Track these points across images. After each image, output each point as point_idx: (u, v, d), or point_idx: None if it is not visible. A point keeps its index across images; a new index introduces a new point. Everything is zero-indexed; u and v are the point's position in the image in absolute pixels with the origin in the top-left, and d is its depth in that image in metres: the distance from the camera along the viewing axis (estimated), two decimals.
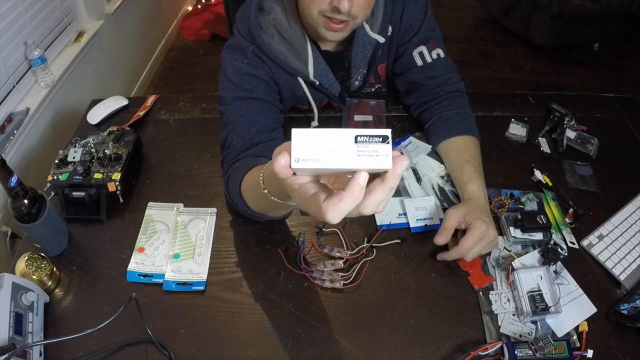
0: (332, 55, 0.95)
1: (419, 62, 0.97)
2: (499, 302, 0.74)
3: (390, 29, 0.95)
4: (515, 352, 0.65)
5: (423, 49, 0.97)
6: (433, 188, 0.91)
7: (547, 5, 2.68)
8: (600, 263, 0.80)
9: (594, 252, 0.81)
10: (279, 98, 0.96)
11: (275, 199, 0.56)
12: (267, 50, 0.88)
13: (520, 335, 0.70)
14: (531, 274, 0.75)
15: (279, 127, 0.90)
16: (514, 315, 0.73)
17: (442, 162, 0.95)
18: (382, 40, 0.94)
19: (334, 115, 1.07)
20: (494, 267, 0.79)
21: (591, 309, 0.74)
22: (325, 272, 0.77)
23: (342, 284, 0.76)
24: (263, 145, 0.82)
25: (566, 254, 0.79)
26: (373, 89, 1.13)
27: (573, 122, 1.05)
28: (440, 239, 0.77)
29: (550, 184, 0.92)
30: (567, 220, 0.86)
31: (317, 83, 0.95)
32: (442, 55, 0.98)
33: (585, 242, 0.83)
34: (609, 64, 2.92)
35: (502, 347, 0.67)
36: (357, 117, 1.04)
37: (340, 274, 0.77)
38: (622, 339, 0.71)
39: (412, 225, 0.84)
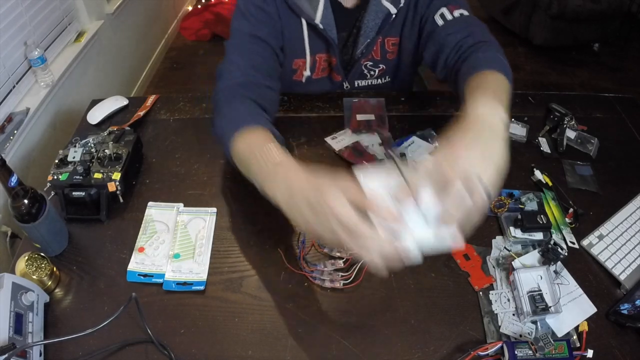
0: (343, 10, 0.95)
1: (440, 23, 0.91)
2: (499, 302, 0.74)
3: (402, 0, 0.94)
4: (515, 352, 0.65)
5: (444, 10, 0.91)
6: None
7: (547, 5, 2.68)
8: (600, 263, 0.80)
9: (594, 252, 0.81)
10: (281, 44, 0.97)
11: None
12: None
13: (520, 335, 0.70)
14: (531, 273, 0.75)
15: (276, 76, 0.92)
16: (514, 315, 0.73)
17: None
18: (393, 10, 0.93)
19: (335, 115, 1.07)
20: (494, 267, 0.79)
21: (591, 309, 0.74)
22: (325, 272, 0.77)
23: (342, 283, 0.76)
24: (254, 87, 0.84)
25: (566, 253, 0.79)
26: (376, 71, 1.09)
27: (573, 122, 1.05)
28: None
29: (550, 183, 0.92)
30: (567, 220, 0.86)
31: (321, 27, 0.94)
32: (465, 14, 0.90)
33: (585, 242, 0.83)
34: (609, 64, 2.92)
35: (502, 347, 0.67)
36: (359, 117, 1.04)
37: (340, 273, 0.77)
38: (622, 339, 0.71)
39: None
